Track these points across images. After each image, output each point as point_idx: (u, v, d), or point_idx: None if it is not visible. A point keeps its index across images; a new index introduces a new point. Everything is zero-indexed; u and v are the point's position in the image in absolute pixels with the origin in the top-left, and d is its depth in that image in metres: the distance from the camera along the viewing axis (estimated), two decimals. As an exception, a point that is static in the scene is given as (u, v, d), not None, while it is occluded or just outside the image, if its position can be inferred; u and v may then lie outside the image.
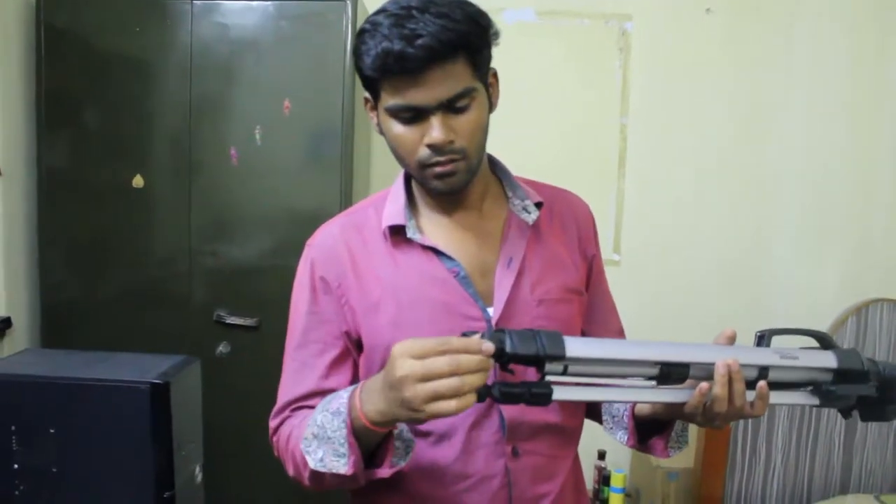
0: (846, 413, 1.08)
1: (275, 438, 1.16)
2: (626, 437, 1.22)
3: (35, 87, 2.48)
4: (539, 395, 0.90)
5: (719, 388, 0.98)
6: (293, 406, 1.15)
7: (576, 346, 0.91)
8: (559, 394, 0.91)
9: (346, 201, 2.46)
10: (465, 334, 0.92)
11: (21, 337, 2.50)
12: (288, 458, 1.11)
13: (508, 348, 0.88)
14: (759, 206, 2.98)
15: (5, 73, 2.45)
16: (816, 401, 1.05)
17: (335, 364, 1.15)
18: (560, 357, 0.90)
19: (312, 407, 1.11)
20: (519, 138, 2.77)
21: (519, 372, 0.94)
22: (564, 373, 0.92)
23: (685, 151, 2.95)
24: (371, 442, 1.00)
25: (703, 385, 0.98)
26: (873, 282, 2.90)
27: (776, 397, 1.03)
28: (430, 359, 0.87)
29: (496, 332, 0.90)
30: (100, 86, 2.47)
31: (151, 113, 2.48)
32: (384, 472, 1.02)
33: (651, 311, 2.92)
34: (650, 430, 1.19)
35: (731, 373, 0.98)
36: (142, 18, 2.45)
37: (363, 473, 1.02)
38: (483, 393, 0.88)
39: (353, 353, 1.17)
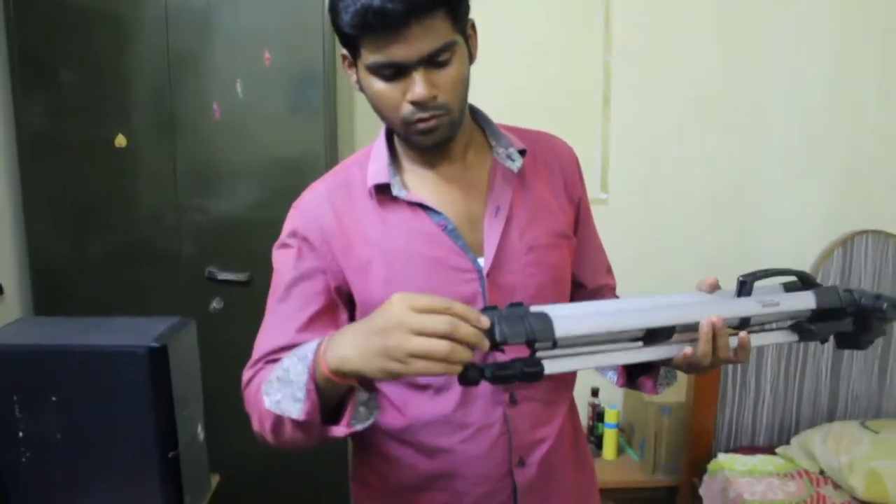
0: (822, 341, 1.12)
1: (245, 392, 1.13)
2: (615, 378, 1.25)
3: (7, 47, 2.42)
4: (530, 374, 0.90)
5: (703, 345, 1.00)
6: (268, 358, 1.12)
7: (564, 326, 0.90)
8: (550, 367, 0.91)
9: (331, 148, 2.46)
10: None
11: (13, 303, 2.49)
12: (254, 410, 1.08)
13: (498, 337, 0.87)
14: (746, 139, 2.97)
15: (-25, 36, 2.39)
16: (795, 337, 1.09)
17: (316, 317, 1.13)
18: (549, 340, 0.89)
19: None
20: (502, 79, 2.74)
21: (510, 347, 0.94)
22: (554, 347, 0.92)
23: (670, 87, 2.92)
24: (333, 396, 0.97)
25: (687, 350, 1.00)
26: (859, 213, 2.92)
27: (757, 339, 1.06)
28: (429, 315, 0.84)
29: (487, 310, 0.89)
30: (74, 43, 2.40)
31: (129, 69, 2.43)
32: (340, 430, 0.99)
33: (639, 247, 2.94)
34: (639, 369, 1.22)
35: (715, 330, 0.99)
36: (114, -29, 2.39)
37: (319, 429, 0.99)
38: (475, 376, 0.88)
39: (341, 307, 1.16)
